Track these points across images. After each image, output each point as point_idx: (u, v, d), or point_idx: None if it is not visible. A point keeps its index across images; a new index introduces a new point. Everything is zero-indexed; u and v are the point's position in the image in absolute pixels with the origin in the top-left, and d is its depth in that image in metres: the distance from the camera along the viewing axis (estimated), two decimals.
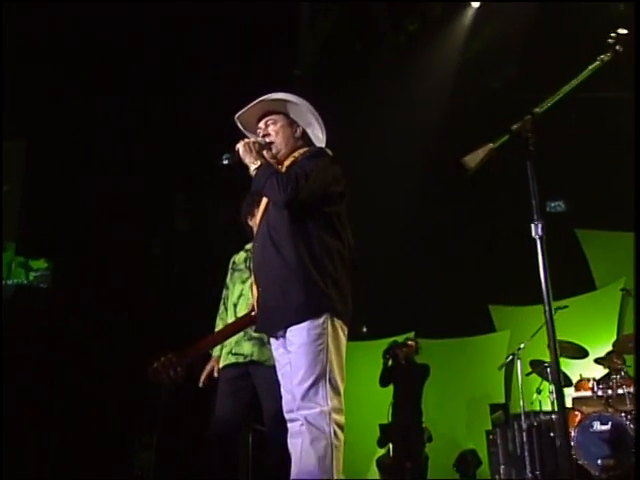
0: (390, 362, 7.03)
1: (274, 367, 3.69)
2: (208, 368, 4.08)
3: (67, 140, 7.46)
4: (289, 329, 2.76)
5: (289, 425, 2.84)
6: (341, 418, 2.72)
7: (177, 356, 3.00)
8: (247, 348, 3.86)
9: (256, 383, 3.88)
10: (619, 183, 7.58)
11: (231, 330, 3.24)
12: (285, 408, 2.88)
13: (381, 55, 8.22)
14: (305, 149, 3.06)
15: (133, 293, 7.50)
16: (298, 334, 2.73)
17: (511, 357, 6.66)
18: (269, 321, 2.88)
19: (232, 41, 7.42)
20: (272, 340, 2.95)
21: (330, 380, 2.70)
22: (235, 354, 3.91)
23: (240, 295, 4.03)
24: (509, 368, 7.16)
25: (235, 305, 4.03)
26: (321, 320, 2.72)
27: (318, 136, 3.13)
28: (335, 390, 2.71)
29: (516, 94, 8.42)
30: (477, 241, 8.62)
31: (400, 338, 7.32)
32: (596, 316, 7.67)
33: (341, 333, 2.80)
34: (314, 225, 2.83)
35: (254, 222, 3.99)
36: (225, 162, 2.94)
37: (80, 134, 7.56)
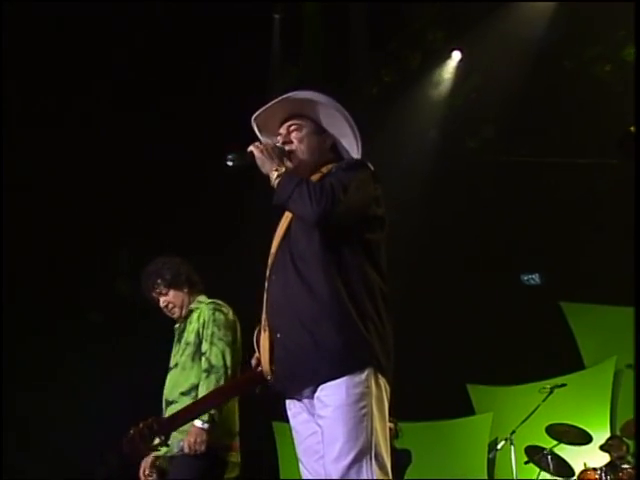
0: None
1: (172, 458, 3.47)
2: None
3: None
4: (321, 387, 2.27)
5: None
6: None
7: (159, 422, 2.54)
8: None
9: None
10: (602, 254, 7.41)
11: (229, 391, 2.72)
12: None
13: (352, 107, 7.94)
14: (337, 163, 2.62)
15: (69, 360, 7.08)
16: (334, 393, 2.23)
17: (502, 443, 6.32)
18: (292, 377, 2.37)
19: (200, 86, 7.27)
20: (290, 404, 2.46)
21: (376, 456, 2.20)
22: None
23: (173, 367, 3.76)
24: (495, 456, 6.72)
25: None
26: (363, 376, 2.24)
27: (351, 150, 2.69)
28: (382, 469, 2.22)
29: (493, 155, 8.30)
30: (453, 316, 8.24)
31: None
32: (587, 397, 7.34)
33: (385, 395, 2.33)
34: (352, 253, 2.39)
35: (162, 297, 3.80)
36: (230, 164, 2.53)
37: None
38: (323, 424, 2.26)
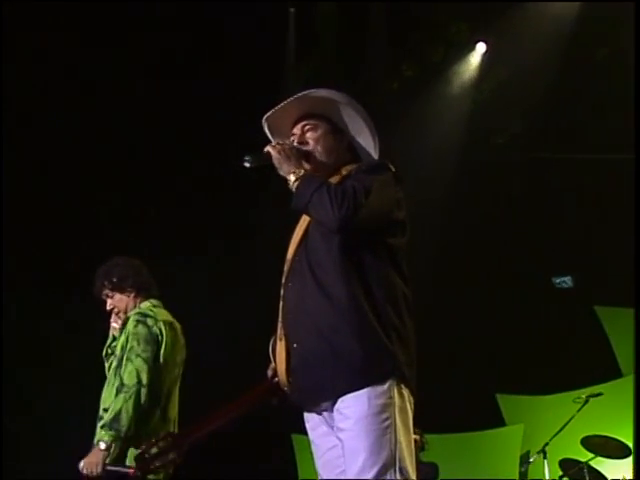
0: None
1: None
2: None
3: None
4: (341, 398, 2.22)
5: None
6: None
7: (174, 437, 2.51)
8: None
9: None
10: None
11: (244, 403, 2.60)
12: None
13: (370, 102, 7.76)
14: (356, 164, 2.57)
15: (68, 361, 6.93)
16: (355, 404, 2.18)
17: (535, 456, 6.15)
18: (310, 389, 2.33)
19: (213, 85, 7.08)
20: (308, 416, 2.42)
21: (401, 470, 2.14)
22: None
23: None
24: (527, 469, 6.50)
25: None
26: (385, 386, 2.19)
27: (369, 150, 2.65)
28: None
29: (522, 152, 8.07)
30: (481, 321, 8.06)
31: None
32: (625, 407, 6.99)
33: (409, 406, 2.28)
34: (373, 259, 2.34)
35: (108, 300, 3.71)
36: (247, 165, 2.49)
37: None
38: (344, 437, 2.20)
